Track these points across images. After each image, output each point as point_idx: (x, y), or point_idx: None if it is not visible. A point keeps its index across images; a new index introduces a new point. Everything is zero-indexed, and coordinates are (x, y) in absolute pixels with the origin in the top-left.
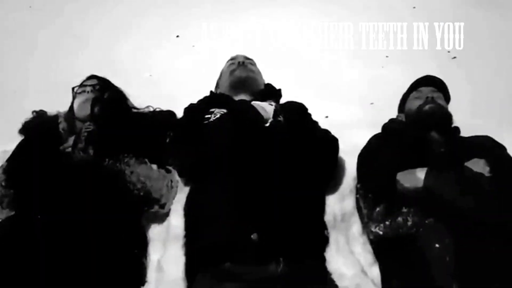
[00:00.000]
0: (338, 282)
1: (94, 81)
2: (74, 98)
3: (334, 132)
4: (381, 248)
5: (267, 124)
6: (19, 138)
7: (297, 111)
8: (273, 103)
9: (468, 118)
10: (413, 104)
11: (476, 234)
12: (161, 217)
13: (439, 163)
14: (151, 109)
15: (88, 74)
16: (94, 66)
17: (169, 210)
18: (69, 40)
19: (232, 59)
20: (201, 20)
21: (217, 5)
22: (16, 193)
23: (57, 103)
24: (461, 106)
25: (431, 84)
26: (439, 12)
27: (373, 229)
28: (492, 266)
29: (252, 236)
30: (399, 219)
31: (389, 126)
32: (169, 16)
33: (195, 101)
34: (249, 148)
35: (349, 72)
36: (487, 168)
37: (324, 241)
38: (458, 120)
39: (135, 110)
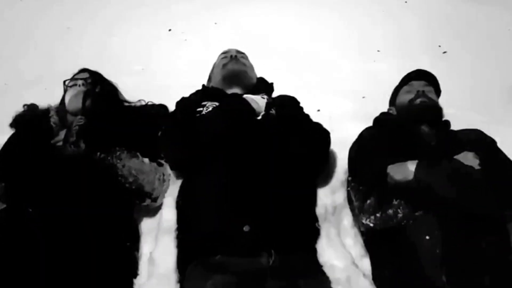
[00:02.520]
0: (329, 274)
1: (85, 75)
2: (65, 91)
3: (325, 125)
4: (372, 240)
5: (259, 117)
6: (9, 132)
7: (289, 104)
8: (265, 97)
9: (458, 112)
10: (404, 97)
11: (465, 226)
12: (153, 211)
13: (430, 156)
14: (143, 103)
15: (80, 67)
16: (86, 59)
17: (161, 203)
18: (61, 33)
19: (224, 52)
20: (194, 14)
21: None
22: (7, 186)
23: (49, 96)
24: (451, 100)
25: (422, 78)
26: (431, 6)
27: (364, 221)
28: (480, 257)
29: (244, 228)
30: (390, 211)
31: (380, 119)
32: (162, 9)
33: (187, 94)
34: (241, 141)
35: (341, 66)
36: (477, 161)
37: (315, 233)
38: (448, 114)
39: (127, 104)
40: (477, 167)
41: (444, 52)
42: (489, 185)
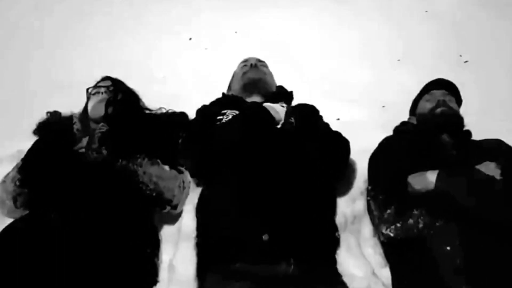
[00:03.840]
0: (348, 284)
1: (108, 82)
2: (88, 99)
3: (345, 134)
4: (392, 250)
5: (279, 126)
6: (33, 138)
7: (309, 113)
8: (285, 105)
9: (479, 122)
10: (425, 107)
11: (486, 236)
12: (173, 218)
13: (450, 166)
14: (164, 111)
15: (101, 75)
16: (108, 67)
17: (181, 210)
18: (84, 41)
19: (244, 61)
20: (214, 23)
21: (230, 8)
22: (30, 192)
23: (72, 103)
24: (472, 109)
25: (443, 87)
26: (451, 16)
27: (384, 231)
28: (502, 268)
29: (263, 236)
30: (410, 221)
31: (400, 129)
32: (182, 18)
33: (207, 102)
34: (261, 149)
35: (361, 74)
36: (498, 171)
37: (335, 242)
38: (469, 124)
39: (148, 112)
40: (498, 177)
41: (466, 62)
42: (511, 195)
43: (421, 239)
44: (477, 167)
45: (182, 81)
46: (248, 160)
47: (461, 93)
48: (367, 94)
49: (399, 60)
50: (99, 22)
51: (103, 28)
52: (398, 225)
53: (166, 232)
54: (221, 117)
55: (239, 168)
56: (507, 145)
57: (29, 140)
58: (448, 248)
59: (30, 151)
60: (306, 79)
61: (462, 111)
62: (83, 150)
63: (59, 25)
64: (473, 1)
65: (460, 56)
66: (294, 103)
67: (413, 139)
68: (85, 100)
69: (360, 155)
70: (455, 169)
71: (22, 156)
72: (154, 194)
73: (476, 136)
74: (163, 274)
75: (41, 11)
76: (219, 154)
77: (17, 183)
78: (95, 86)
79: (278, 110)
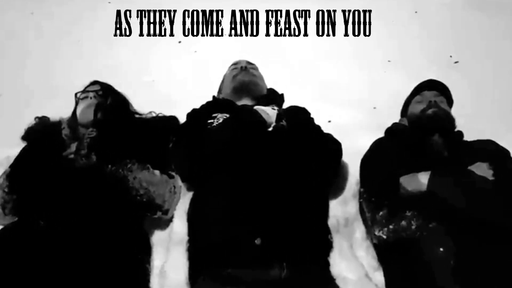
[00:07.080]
0: (342, 287)
1: (97, 87)
2: (77, 103)
3: (337, 137)
4: (384, 252)
5: (270, 129)
6: (22, 144)
7: (300, 115)
8: (276, 108)
9: (471, 122)
10: (416, 108)
11: (479, 237)
12: (164, 223)
13: (442, 167)
14: (154, 115)
15: (90, 80)
16: (96, 71)
17: (172, 215)
18: (71, 45)
19: (234, 64)
20: (203, 25)
21: (219, 10)
22: (19, 199)
23: (59, 108)
24: (464, 110)
25: (434, 88)
26: (441, 17)
27: (376, 233)
28: (495, 270)
29: (255, 240)
30: (403, 223)
31: (392, 130)
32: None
33: (197, 106)
34: (252, 152)
35: (351, 76)
36: (490, 172)
37: (327, 245)
38: (461, 124)
39: (137, 116)
40: (490, 177)
41: (456, 62)
42: (503, 196)
43: (414, 241)
44: (470, 168)
45: (171, 85)
46: (240, 163)
47: (452, 94)
48: (358, 96)
49: (389, 61)
50: (85, 26)
51: (90, 32)
52: (391, 227)
53: (157, 238)
54: (212, 120)
55: (230, 172)
56: (498, 146)
57: (18, 146)
58: (441, 249)
59: (18, 157)
60: (297, 81)
61: (453, 112)
62: (72, 155)
63: (42, 30)
64: (463, 1)
65: (451, 57)
66: (285, 105)
67: (404, 140)
68: (73, 105)
69: (352, 157)
70: (447, 170)
71: (11, 162)
72: (144, 200)
73: (468, 137)
74: (154, 279)
75: (37, 16)
76: (210, 158)
77: (6, 190)
78: (84, 91)
79: (269, 113)
